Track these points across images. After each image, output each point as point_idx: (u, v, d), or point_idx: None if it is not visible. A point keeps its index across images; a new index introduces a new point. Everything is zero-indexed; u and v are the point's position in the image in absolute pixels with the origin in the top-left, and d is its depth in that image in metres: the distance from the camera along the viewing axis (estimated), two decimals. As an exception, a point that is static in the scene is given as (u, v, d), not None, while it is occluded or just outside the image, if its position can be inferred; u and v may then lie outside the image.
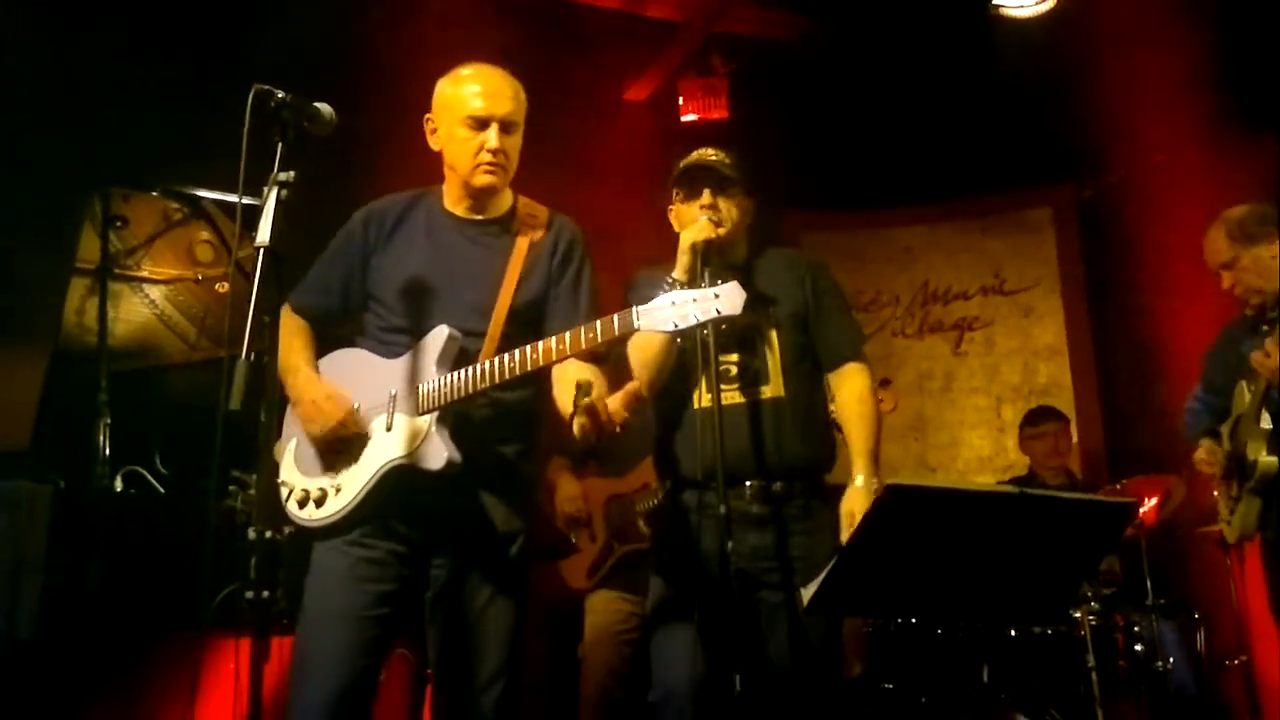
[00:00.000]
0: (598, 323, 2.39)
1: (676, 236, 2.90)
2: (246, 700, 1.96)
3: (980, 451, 5.93)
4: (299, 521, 2.58)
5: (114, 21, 4.21)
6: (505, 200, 2.78)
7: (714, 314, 2.30)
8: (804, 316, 2.98)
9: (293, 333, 2.71)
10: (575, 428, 2.40)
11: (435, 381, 2.53)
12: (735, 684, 2.49)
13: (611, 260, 3.46)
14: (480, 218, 2.75)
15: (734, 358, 2.92)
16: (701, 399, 2.84)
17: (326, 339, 2.79)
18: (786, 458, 2.87)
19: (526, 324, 2.65)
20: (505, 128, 2.67)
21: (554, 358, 2.43)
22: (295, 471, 2.65)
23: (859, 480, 2.86)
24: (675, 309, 2.31)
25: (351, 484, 2.56)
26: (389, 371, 2.60)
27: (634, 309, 2.35)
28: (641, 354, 2.87)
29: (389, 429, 2.55)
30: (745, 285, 2.92)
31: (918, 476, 5.72)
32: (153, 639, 3.18)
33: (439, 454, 2.49)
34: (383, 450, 2.55)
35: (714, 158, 2.98)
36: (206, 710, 3.24)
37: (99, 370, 4.00)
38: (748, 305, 2.87)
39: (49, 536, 3.05)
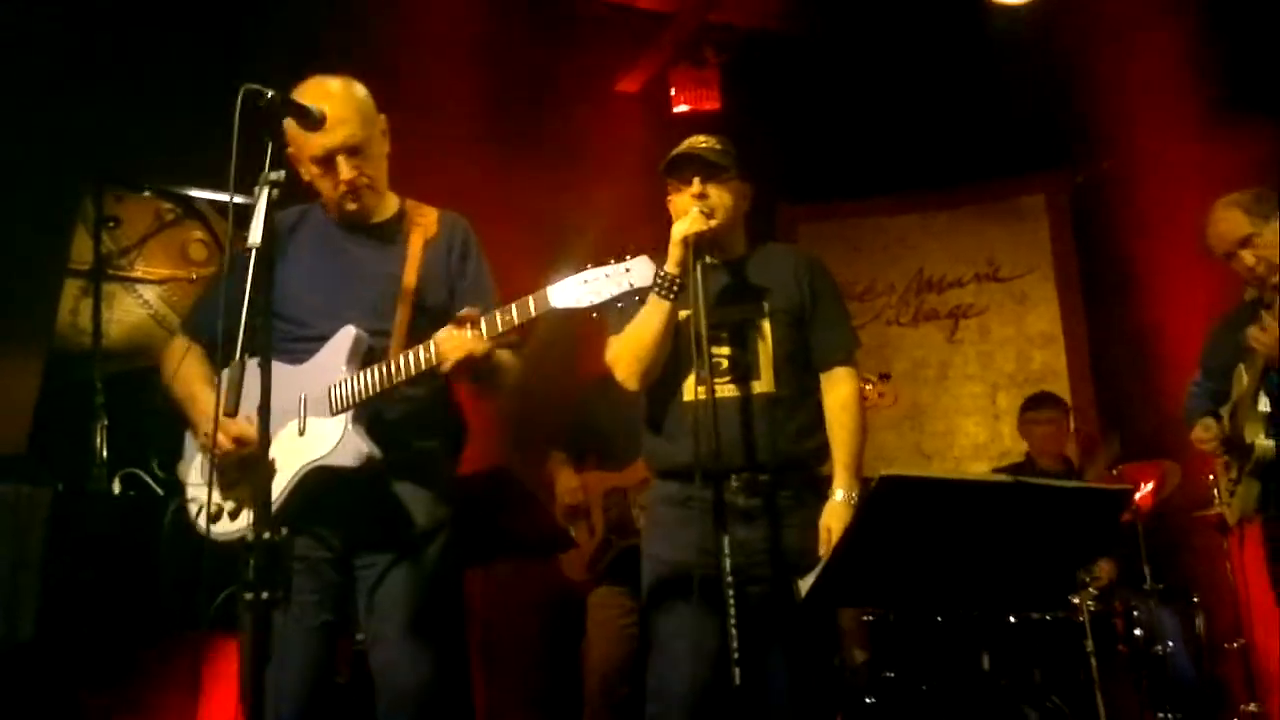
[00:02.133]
0: (513, 305, 2.40)
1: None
2: (248, 701, 1.95)
3: (976, 439, 5.94)
4: (217, 538, 2.54)
5: (105, 21, 4.20)
6: (390, 204, 2.76)
7: (627, 287, 2.33)
8: (799, 313, 2.95)
9: (188, 359, 2.69)
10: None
11: (346, 380, 2.53)
12: (735, 677, 2.49)
13: (606, 252, 3.45)
14: (368, 224, 2.73)
15: (725, 351, 2.88)
16: (692, 392, 2.82)
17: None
18: (777, 450, 2.84)
19: (432, 320, 2.62)
20: (352, 152, 2.60)
21: (435, 360, 2.44)
22: (204, 487, 2.60)
23: (839, 495, 2.83)
24: (588, 286, 2.33)
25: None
26: (296, 377, 2.58)
27: (546, 289, 2.36)
28: (633, 345, 2.87)
29: (301, 433, 2.54)
30: (740, 278, 2.97)
31: (913, 465, 5.73)
32: (153, 641, 3.19)
33: (356, 450, 2.50)
34: (298, 454, 2.53)
35: (702, 145, 2.94)
36: (208, 711, 3.25)
37: (94, 372, 4.00)
38: (741, 298, 2.89)
39: (47, 539, 3.05)
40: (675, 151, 2.97)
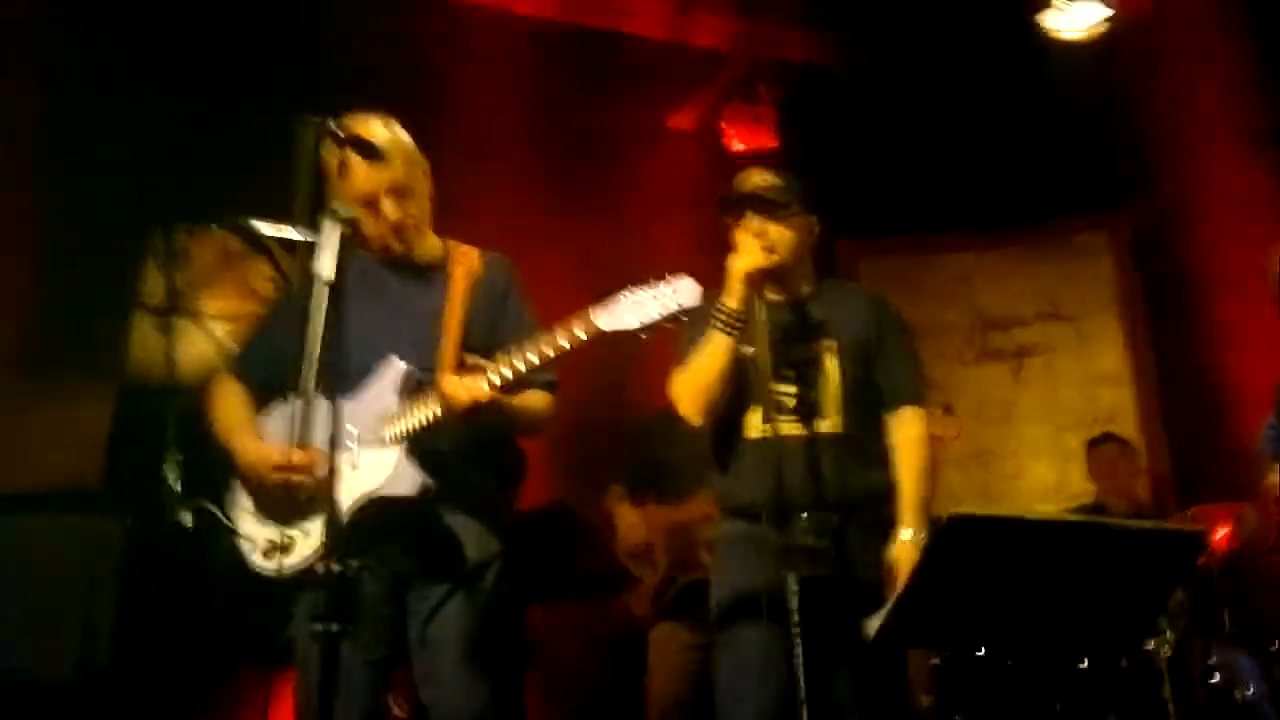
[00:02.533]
0: (558, 328, 2.39)
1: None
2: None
3: (1044, 480, 5.83)
4: (267, 573, 2.55)
5: (168, 56, 4.30)
6: (434, 245, 2.76)
7: (674, 308, 2.31)
8: (866, 350, 2.92)
9: (234, 403, 2.71)
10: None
11: (398, 412, 2.53)
12: (803, 716, 2.45)
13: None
14: (412, 260, 2.74)
15: (791, 390, 2.86)
16: (758, 429, 2.80)
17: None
18: (845, 490, 2.81)
19: (480, 356, 2.62)
20: (399, 193, 2.62)
21: (523, 369, 2.42)
22: (253, 523, 2.61)
23: (906, 535, 2.79)
24: (636, 308, 2.32)
25: (322, 526, 2.47)
26: (345, 411, 2.51)
27: (591, 310, 2.36)
28: (696, 380, 2.85)
29: (354, 467, 2.54)
30: (805, 315, 2.94)
31: (981, 506, 5.63)
32: (226, 673, 3.21)
33: (412, 480, 2.49)
34: (352, 486, 2.52)
35: (757, 182, 2.93)
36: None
37: (167, 406, 4.07)
38: (807, 335, 2.87)
39: (121, 570, 3.09)
40: (736, 187, 2.95)
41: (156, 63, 4.30)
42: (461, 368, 2.58)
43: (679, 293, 2.32)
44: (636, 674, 4.15)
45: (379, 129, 2.62)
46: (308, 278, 2.56)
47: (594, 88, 5.19)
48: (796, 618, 2.53)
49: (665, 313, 2.32)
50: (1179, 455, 5.56)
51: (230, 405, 2.72)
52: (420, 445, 2.55)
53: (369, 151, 2.45)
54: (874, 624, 2.50)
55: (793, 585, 2.54)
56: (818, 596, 2.73)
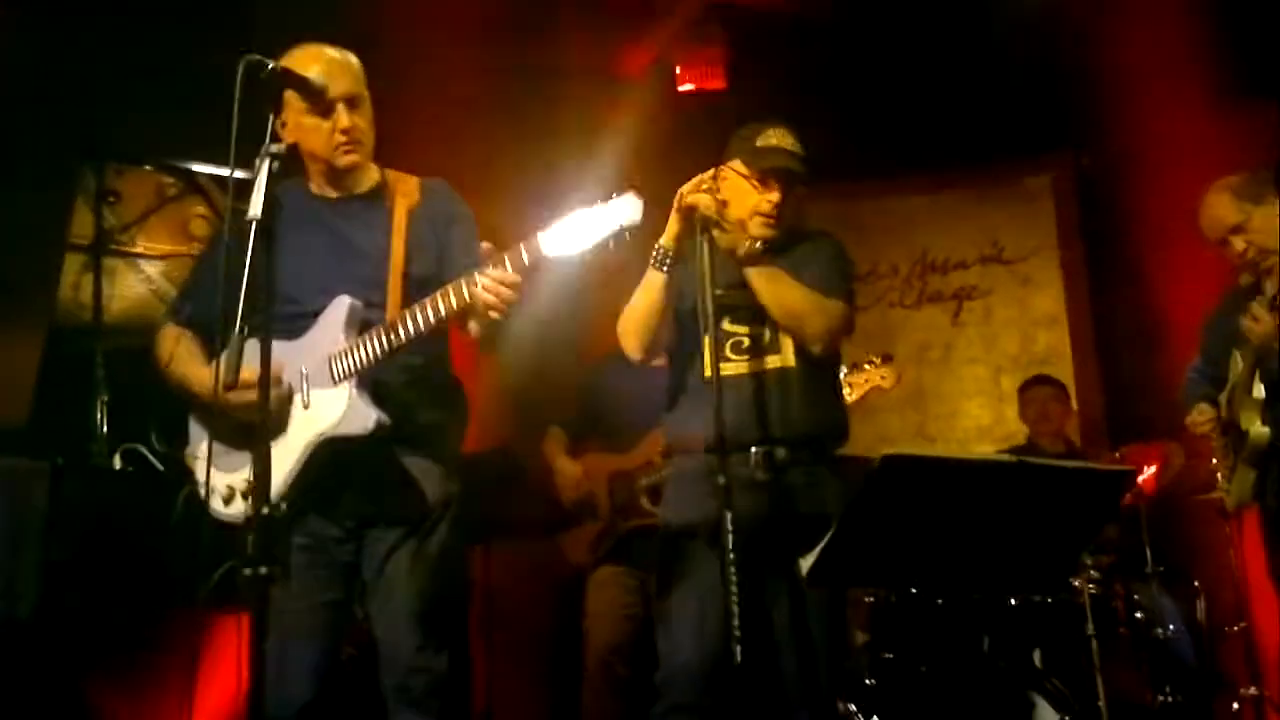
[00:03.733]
0: (506, 256, 2.36)
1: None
2: (247, 676, 1.95)
3: (980, 421, 5.92)
4: (229, 520, 2.55)
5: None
6: (372, 174, 2.74)
7: (616, 227, 2.29)
8: (802, 278, 2.94)
9: (179, 343, 2.69)
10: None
11: (346, 349, 2.52)
12: (735, 655, 2.48)
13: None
14: (352, 194, 2.72)
15: (745, 329, 2.91)
16: (710, 368, 2.82)
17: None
18: (792, 426, 2.86)
19: (422, 289, 2.59)
20: (351, 103, 2.61)
21: (466, 299, 2.40)
22: (214, 472, 2.59)
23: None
24: (577, 230, 2.30)
25: (278, 468, 2.46)
26: (294, 352, 2.56)
27: (536, 236, 2.33)
28: (634, 317, 2.89)
29: (306, 406, 2.54)
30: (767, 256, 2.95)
31: (916, 446, 5.72)
32: (152, 618, 3.19)
33: (366, 417, 2.48)
34: (306, 426, 2.53)
35: (791, 149, 2.97)
36: (207, 688, 3.26)
37: (95, 347, 3.99)
38: (755, 257, 2.88)
39: (47, 514, 3.04)
40: (766, 143, 2.96)
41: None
42: (405, 304, 2.54)
43: (621, 210, 2.29)
44: (576, 617, 4.19)
45: (331, 50, 2.62)
46: (240, 216, 2.56)
47: (545, 29, 5.11)
48: (732, 556, 2.56)
49: (608, 232, 2.29)
50: (1112, 397, 5.66)
51: (178, 347, 2.69)
52: (370, 383, 2.53)
53: (307, 89, 2.41)
54: (807, 562, 2.54)
55: (728, 525, 2.56)
56: (759, 533, 2.78)
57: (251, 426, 2.41)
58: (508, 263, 2.36)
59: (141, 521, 3.17)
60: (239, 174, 2.13)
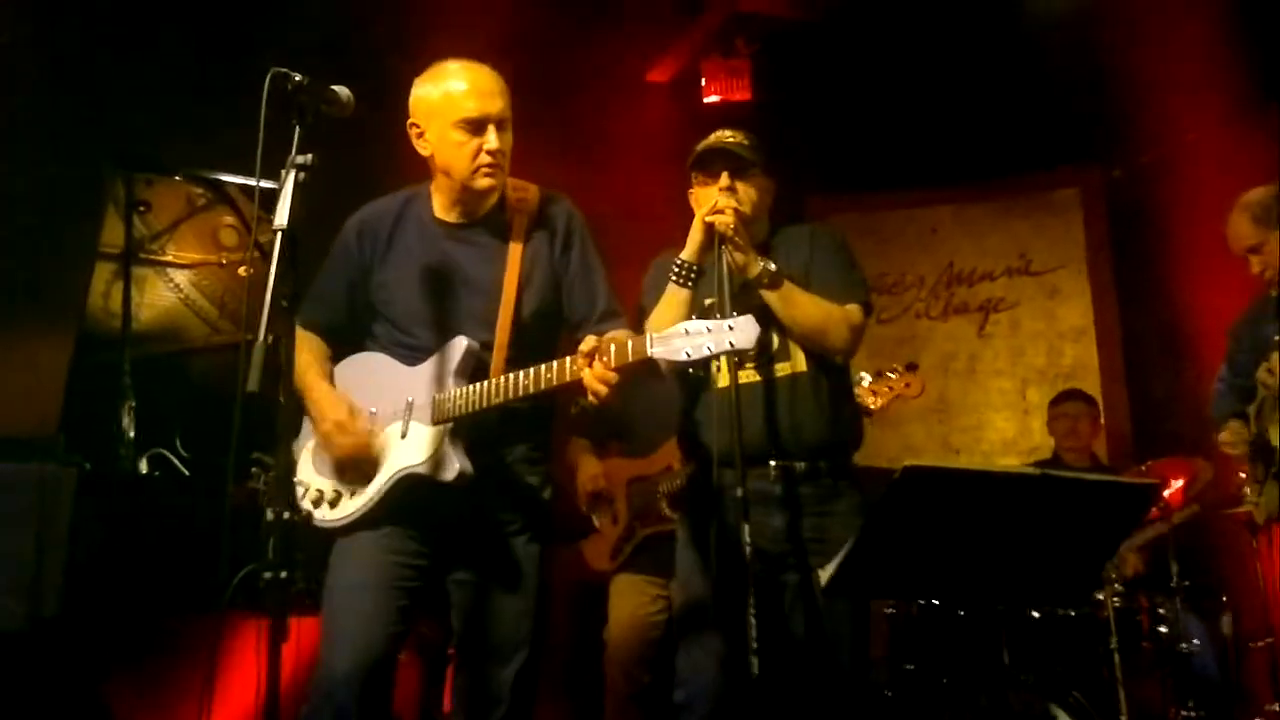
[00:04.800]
0: (612, 347, 2.39)
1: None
2: (265, 679, 1.97)
3: (1005, 434, 5.88)
4: (314, 521, 2.60)
5: (136, 4, 4.23)
6: (495, 193, 2.75)
7: (726, 346, 2.31)
8: (806, 277, 2.94)
9: (306, 348, 2.71)
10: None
11: (452, 393, 2.55)
12: (753, 666, 2.48)
13: (631, 242, 3.46)
14: (471, 221, 2.73)
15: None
16: (725, 378, 2.82)
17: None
18: (806, 436, 2.86)
19: (535, 327, 2.66)
20: (501, 126, 2.63)
21: (567, 379, 2.44)
22: (311, 471, 2.69)
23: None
24: (689, 339, 2.32)
25: (366, 487, 2.60)
26: (407, 379, 2.63)
27: (648, 335, 2.36)
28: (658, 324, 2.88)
29: (404, 436, 2.59)
30: (766, 256, 2.95)
31: (940, 458, 5.69)
32: (174, 619, 3.22)
33: (451, 466, 2.54)
34: (397, 457, 2.59)
35: (730, 140, 2.95)
36: (227, 689, 3.28)
37: (123, 354, 4.04)
38: (770, 279, 2.88)
39: (73, 518, 3.08)
40: (702, 146, 2.98)
41: (121, 6, 4.21)
42: (514, 344, 2.60)
43: (736, 331, 2.32)
44: (596, 624, 4.19)
45: (483, 67, 2.65)
46: (359, 229, 2.72)
47: (574, 35, 5.14)
48: (757, 568, 2.57)
49: (718, 350, 2.32)
50: (1140, 411, 5.61)
51: (303, 349, 2.70)
52: (468, 427, 2.57)
53: (335, 104, 2.37)
54: (826, 573, 2.53)
55: (746, 538, 2.56)
56: (776, 547, 2.77)
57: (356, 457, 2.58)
58: (613, 352, 2.38)
59: (165, 525, 3.21)
60: (266, 184, 2.16)
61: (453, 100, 2.60)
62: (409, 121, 2.67)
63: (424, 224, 2.73)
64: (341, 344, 2.80)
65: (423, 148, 2.66)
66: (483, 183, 2.64)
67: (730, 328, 2.31)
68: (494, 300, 2.64)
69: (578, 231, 2.78)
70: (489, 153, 2.60)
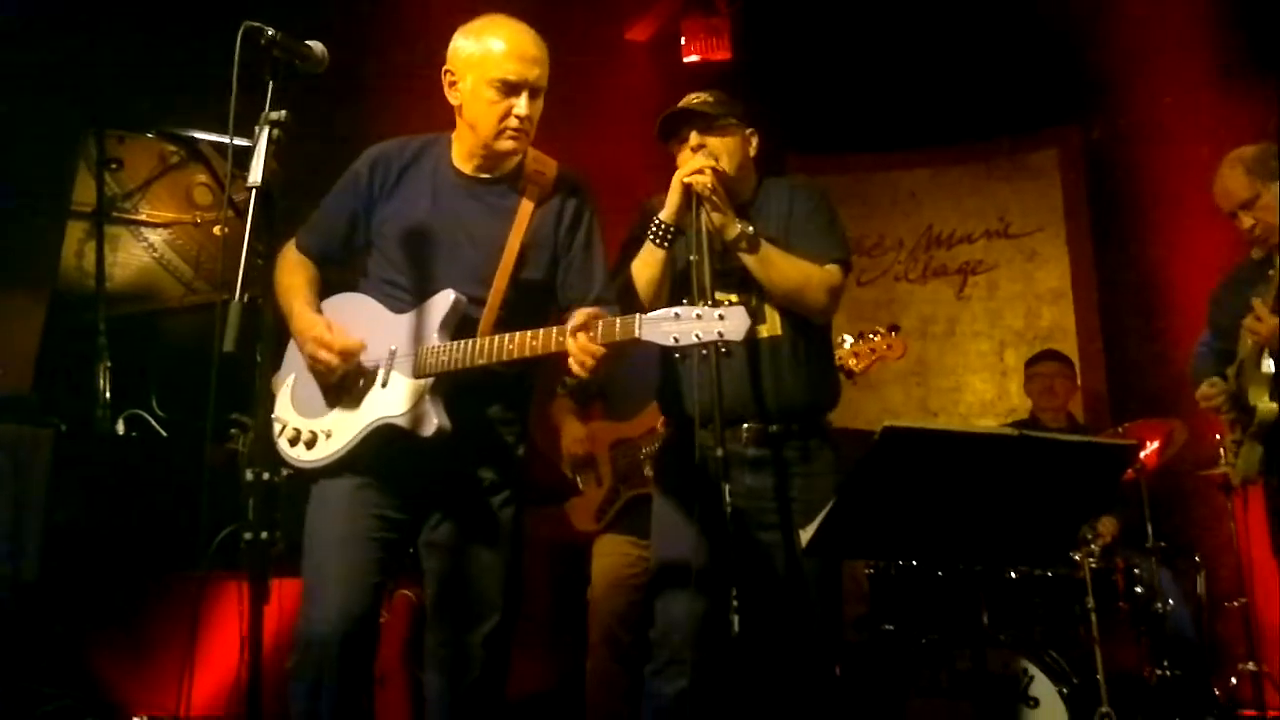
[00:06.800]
0: (600, 324, 2.37)
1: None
2: (248, 641, 1.97)
3: (983, 395, 5.92)
4: (287, 459, 2.58)
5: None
6: (515, 156, 2.72)
7: (715, 336, 2.30)
8: (787, 235, 2.93)
9: (295, 271, 2.69)
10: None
11: (436, 347, 2.53)
12: (734, 625, 2.50)
13: (610, 200, 3.42)
14: (488, 176, 2.70)
15: (733, 297, 2.89)
16: None
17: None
18: (784, 398, 2.87)
19: (529, 294, 2.64)
20: (534, 93, 2.61)
21: (553, 349, 2.43)
22: (290, 409, 2.65)
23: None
24: (678, 323, 2.31)
25: (342, 432, 2.57)
26: (392, 325, 2.60)
27: (637, 317, 2.35)
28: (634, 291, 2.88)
29: (384, 384, 2.56)
30: (747, 220, 2.93)
31: (919, 420, 5.72)
32: (154, 580, 3.21)
33: (430, 421, 2.51)
34: (376, 405, 2.56)
35: (695, 100, 2.94)
36: (208, 650, 3.28)
37: (98, 314, 4.00)
38: (749, 243, 2.87)
39: (50, 479, 3.06)
40: (666, 112, 2.95)
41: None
42: (505, 305, 2.58)
43: (726, 321, 2.31)
44: (579, 586, 4.20)
45: (530, 31, 2.62)
46: (372, 161, 2.69)
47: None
48: (732, 526, 2.57)
49: (706, 339, 2.31)
50: (1116, 373, 5.65)
51: (294, 277, 2.68)
52: (448, 383, 2.54)
53: (307, 59, 2.33)
54: (807, 533, 2.55)
55: (726, 498, 2.57)
56: (752, 507, 2.78)
57: (342, 382, 2.55)
58: (600, 330, 2.36)
59: (143, 486, 3.19)
60: (240, 141, 2.12)
61: (492, 58, 2.58)
62: (444, 68, 2.65)
63: (439, 169, 2.70)
64: (332, 273, 2.77)
65: (453, 97, 2.64)
66: (506, 144, 2.62)
67: (721, 317, 2.30)
68: (493, 259, 2.62)
69: (587, 214, 2.76)
70: (518, 117, 2.59)
